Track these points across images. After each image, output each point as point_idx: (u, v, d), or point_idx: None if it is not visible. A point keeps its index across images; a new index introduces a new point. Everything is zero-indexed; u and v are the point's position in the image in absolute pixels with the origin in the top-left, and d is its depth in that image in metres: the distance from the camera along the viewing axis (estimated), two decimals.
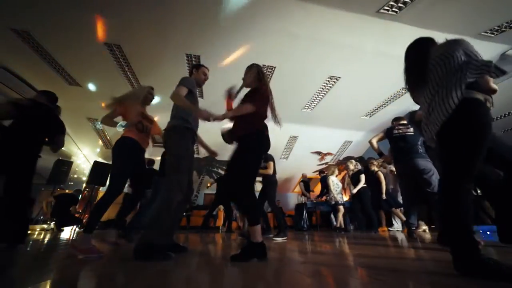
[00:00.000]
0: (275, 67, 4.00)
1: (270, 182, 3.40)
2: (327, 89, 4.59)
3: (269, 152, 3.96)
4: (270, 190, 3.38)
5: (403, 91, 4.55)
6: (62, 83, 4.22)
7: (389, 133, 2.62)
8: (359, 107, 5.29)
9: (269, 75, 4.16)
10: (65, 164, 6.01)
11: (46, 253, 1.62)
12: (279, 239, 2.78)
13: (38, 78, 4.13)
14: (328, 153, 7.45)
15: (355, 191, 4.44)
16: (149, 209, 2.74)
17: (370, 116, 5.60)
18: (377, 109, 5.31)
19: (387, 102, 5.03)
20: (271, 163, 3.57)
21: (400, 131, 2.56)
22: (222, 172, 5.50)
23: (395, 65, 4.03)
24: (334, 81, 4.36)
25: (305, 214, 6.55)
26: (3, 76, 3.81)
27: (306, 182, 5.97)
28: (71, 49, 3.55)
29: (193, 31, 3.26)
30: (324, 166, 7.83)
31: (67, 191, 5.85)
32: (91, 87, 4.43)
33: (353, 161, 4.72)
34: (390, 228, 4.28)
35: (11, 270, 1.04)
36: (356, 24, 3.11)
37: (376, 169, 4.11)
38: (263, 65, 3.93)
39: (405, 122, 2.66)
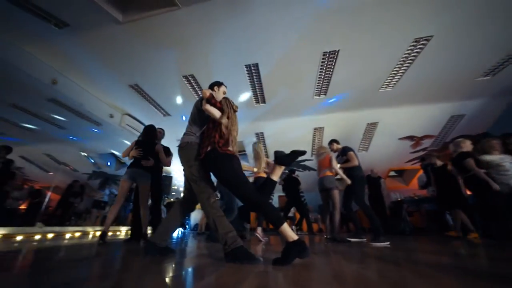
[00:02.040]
0: (338, 51, 3.49)
1: (356, 177, 2.95)
2: (413, 56, 3.58)
3: (343, 143, 3.45)
4: (356, 186, 2.92)
5: None
6: (159, 115, 5.35)
7: None
8: (471, 67, 3.83)
9: (332, 61, 3.69)
10: (167, 180, 7.58)
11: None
12: (379, 244, 2.34)
13: (146, 116, 5.46)
14: (426, 136, 5.83)
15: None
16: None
17: (494, 74, 3.95)
18: (505, 62, 3.68)
19: None
20: (352, 154, 3.07)
21: None
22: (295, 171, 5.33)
23: None
24: (423, 43, 3.35)
25: (404, 213, 5.37)
26: (129, 121, 5.38)
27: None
28: (159, 86, 4.45)
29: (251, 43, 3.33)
30: (422, 153, 6.20)
31: (172, 200, 7.35)
32: (178, 114, 5.39)
33: (466, 141, 3.29)
34: None
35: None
36: None
37: None
38: (324, 52, 3.52)
39: None
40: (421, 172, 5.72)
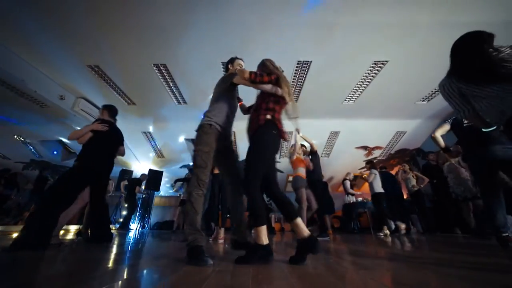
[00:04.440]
0: (311, 62, 3.77)
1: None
2: (372, 76, 4.10)
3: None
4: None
5: None
6: (124, 103, 4.88)
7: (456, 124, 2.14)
8: (413, 92, 4.58)
9: (305, 70, 3.96)
10: (127, 173, 6.96)
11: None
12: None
13: (106, 103, 4.86)
14: (377, 147, 6.70)
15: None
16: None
17: (428, 100, 4.79)
18: (436, 92, 4.51)
19: None
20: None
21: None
22: None
23: (459, 34, 3.36)
24: (380, 67, 3.87)
25: (354, 215, 6.06)
26: (84, 105, 4.69)
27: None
28: (126, 73, 4.07)
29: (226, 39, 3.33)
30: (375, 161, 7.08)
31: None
32: (143, 104, 4.99)
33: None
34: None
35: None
36: None
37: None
38: (298, 61, 3.76)
39: None
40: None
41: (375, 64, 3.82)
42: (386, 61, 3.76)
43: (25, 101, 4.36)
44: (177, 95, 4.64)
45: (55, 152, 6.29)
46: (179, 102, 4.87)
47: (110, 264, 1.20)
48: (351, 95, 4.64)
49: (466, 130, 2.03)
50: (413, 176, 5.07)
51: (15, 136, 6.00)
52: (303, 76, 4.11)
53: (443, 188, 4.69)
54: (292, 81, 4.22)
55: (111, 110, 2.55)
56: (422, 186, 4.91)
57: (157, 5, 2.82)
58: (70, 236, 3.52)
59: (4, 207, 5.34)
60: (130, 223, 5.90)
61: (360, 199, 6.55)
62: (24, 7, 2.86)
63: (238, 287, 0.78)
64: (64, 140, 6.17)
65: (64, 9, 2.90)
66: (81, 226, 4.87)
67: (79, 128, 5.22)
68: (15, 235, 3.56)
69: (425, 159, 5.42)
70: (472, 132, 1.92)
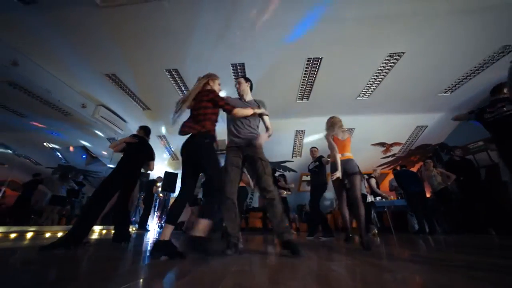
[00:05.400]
0: (321, 58, 3.68)
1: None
2: (387, 70, 3.91)
3: (323, 146, 3.80)
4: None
5: (496, 54, 3.44)
6: (139, 109, 5.08)
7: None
8: (435, 83, 4.29)
9: (316, 67, 3.87)
10: (145, 176, 7.24)
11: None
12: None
13: (123, 109, 5.14)
14: (395, 143, 6.37)
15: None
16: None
17: (452, 91, 4.47)
18: (461, 82, 4.19)
19: (476, 71, 3.90)
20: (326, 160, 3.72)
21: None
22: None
23: (488, 18, 3.10)
24: (396, 59, 3.68)
25: (373, 214, 5.80)
26: (104, 112, 4.97)
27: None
28: (141, 79, 4.24)
29: (236, 41, 3.34)
30: (391, 158, 6.77)
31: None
32: (157, 108, 5.17)
33: None
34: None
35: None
36: None
37: None
38: (308, 58, 3.68)
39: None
40: (391, 176, 6.22)
41: (390, 56, 3.64)
42: (403, 53, 3.56)
43: (51, 110, 4.69)
44: None
45: (83, 157, 6.71)
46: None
47: (132, 263, 1.24)
48: (365, 90, 4.46)
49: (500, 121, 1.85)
50: (437, 173, 4.74)
51: (45, 144, 6.49)
52: (314, 73, 4.01)
53: (472, 185, 4.35)
54: (303, 79, 4.15)
55: (145, 129, 2.93)
56: (449, 183, 4.57)
57: (165, 11, 2.90)
58: (95, 236, 3.72)
59: (35, 208, 5.79)
60: (148, 223, 6.13)
61: (379, 198, 6.27)
62: (50, 26, 3.10)
63: (255, 287, 0.76)
64: (88, 145, 6.57)
65: (84, 25, 3.09)
66: (105, 226, 5.14)
67: (101, 134, 5.50)
68: (48, 234, 3.85)
69: (450, 154, 5.03)
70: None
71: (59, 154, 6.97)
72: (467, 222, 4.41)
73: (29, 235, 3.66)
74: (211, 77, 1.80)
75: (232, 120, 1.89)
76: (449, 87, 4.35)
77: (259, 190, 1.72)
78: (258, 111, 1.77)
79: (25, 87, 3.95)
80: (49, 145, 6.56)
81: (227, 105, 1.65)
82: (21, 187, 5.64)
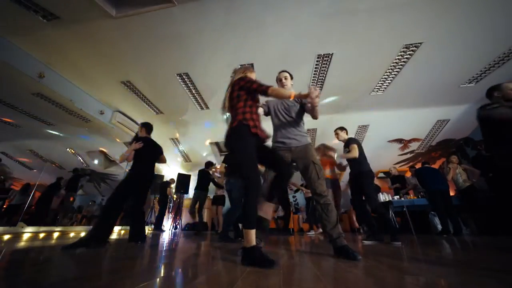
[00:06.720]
0: (332, 54, 3.57)
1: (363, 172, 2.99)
2: (403, 62, 3.72)
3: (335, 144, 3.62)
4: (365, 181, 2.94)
5: None
6: (153, 113, 5.26)
7: None
8: (457, 74, 4.02)
9: (326, 64, 3.77)
10: (159, 177, 7.45)
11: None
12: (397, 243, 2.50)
13: (138, 114, 5.34)
14: (414, 139, 6.05)
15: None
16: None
17: (477, 81, 4.16)
18: (487, 70, 3.89)
19: (506, 57, 3.59)
20: (355, 145, 3.03)
21: None
22: None
23: (504, 2, 2.85)
24: (412, 50, 3.48)
25: (391, 213, 5.55)
26: (120, 118, 5.21)
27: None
28: (153, 85, 4.37)
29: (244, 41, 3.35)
30: (409, 155, 6.44)
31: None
32: (170, 112, 5.31)
33: None
34: None
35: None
36: None
37: None
38: (318, 55, 3.60)
39: None
40: (408, 174, 5.92)
41: (406, 48, 3.45)
42: (420, 43, 3.37)
43: (74, 117, 4.98)
44: (199, 101, 4.83)
45: (96, 161, 7.08)
46: (201, 108, 5.06)
47: (149, 262, 1.27)
48: (380, 84, 4.27)
49: None
50: (463, 169, 4.44)
51: (68, 149, 6.91)
52: (325, 70, 3.91)
53: (503, 182, 4.00)
54: (313, 76, 4.06)
55: (147, 127, 2.94)
56: (474, 180, 4.26)
57: (173, 16, 2.96)
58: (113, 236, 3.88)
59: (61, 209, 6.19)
60: (163, 224, 6.29)
61: (397, 197, 5.98)
62: (71, 39, 3.32)
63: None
64: (105, 150, 6.89)
65: (100, 36, 3.26)
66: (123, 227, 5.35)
67: (118, 140, 5.72)
68: (72, 234, 4.08)
69: (477, 149, 4.67)
70: None
71: (80, 158, 7.38)
72: (498, 222, 4.07)
73: (55, 234, 3.89)
74: (248, 69, 1.65)
75: (278, 120, 1.83)
76: (473, 77, 4.05)
77: (312, 195, 1.62)
78: (302, 94, 1.37)
79: (50, 97, 4.22)
80: (71, 150, 6.97)
81: (260, 86, 1.44)
82: (46, 188, 6.09)
